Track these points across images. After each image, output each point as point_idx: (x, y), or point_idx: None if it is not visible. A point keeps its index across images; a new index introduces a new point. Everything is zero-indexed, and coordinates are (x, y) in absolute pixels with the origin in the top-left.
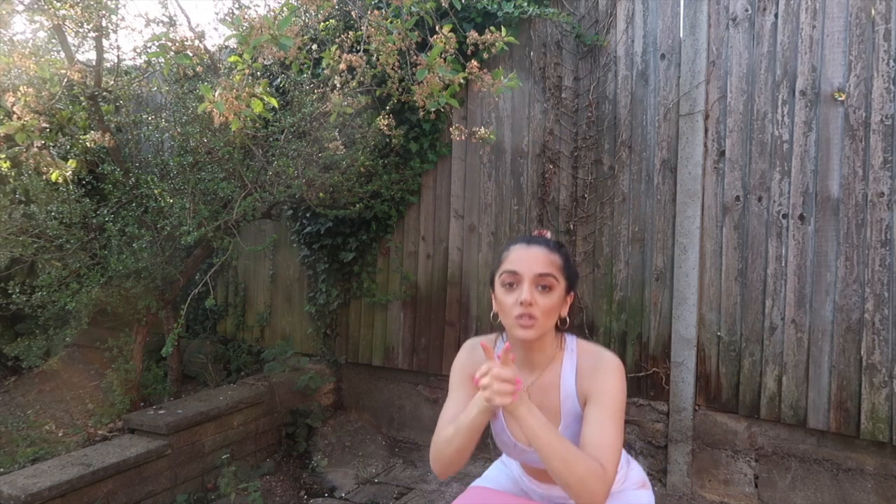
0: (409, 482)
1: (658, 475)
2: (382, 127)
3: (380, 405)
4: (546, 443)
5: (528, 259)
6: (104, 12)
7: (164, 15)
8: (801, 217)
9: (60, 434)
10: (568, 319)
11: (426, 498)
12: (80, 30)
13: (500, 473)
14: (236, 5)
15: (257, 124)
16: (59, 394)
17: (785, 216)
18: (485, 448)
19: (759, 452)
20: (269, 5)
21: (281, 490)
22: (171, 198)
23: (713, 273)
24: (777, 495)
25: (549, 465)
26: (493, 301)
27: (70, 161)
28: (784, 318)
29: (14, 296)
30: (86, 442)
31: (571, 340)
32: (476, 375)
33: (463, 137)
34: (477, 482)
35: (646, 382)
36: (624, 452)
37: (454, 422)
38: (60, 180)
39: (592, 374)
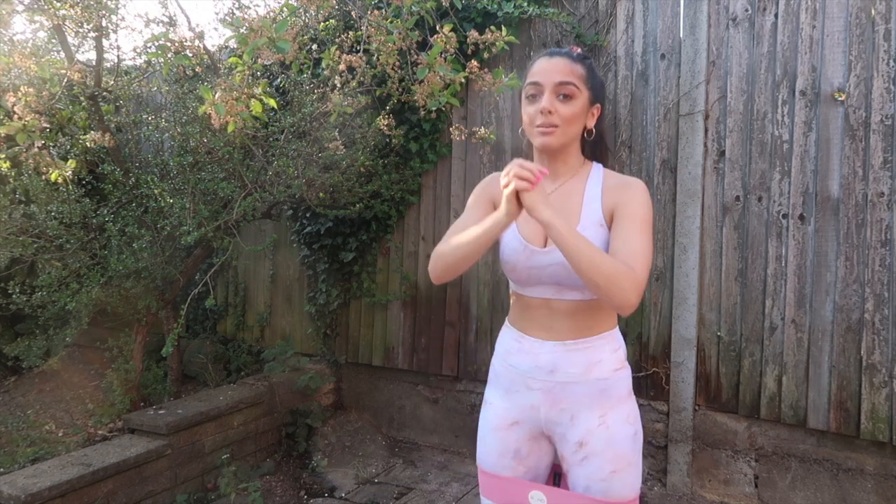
0: (409, 482)
1: (658, 475)
2: (382, 127)
3: (380, 405)
4: (572, 242)
5: (549, 69)
6: (104, 12)
7: (164, 15)
8: (801, 217)
9: (60, 434)
10: (595, 132)
11: (426, 498)
12: (80, 30)
13: (492, 436)
14: (236, 5)
15: (257, 124)
16: (59, 394)
17: (785, 216)
18: None
19: (759, 452)
20: (268, 5)
21: (281, 490)
22: (171, 198)
23: (713, 273)
24: (777, 495)
25: (575, 265)
26: (522, 115)
27: (70, 161)
28: (784, 318)
29: (14, 296)
30: (86, 442)
31: (598, 165)
32: (501, 175)
33: (463, 137)
34: (478, 460)
35: (646, 382)
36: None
37: (466, 231)
38: (60, 180)
39: (619, 190)
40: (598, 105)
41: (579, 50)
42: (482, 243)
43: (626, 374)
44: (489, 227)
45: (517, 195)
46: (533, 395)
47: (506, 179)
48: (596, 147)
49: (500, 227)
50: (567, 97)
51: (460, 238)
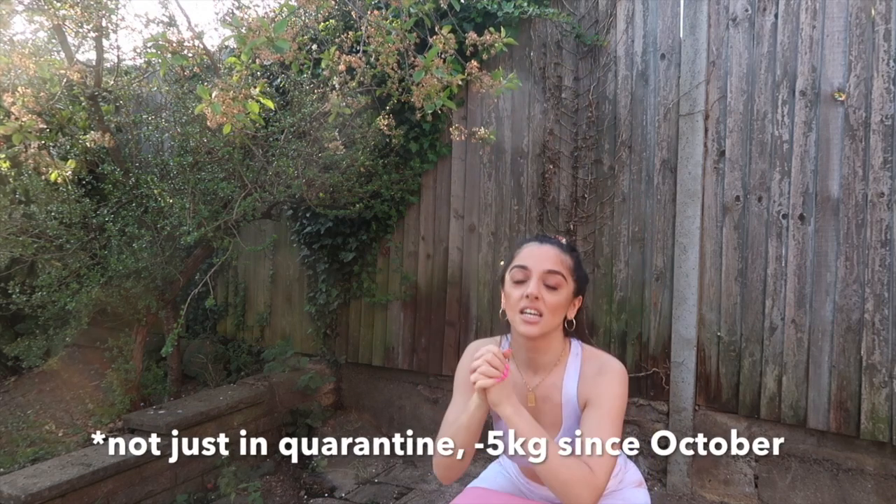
0: (409, 482)
1: (658, 475)
2: (382, 127)
3: (380, 405)
4: (531, 443)
5: (539, 256)
6: (104, 12)
7: (164, 15)
8: (801, 217)
9: (60, 434)
10: (574, 322)
11: (426, 498)
12: (80, 30)
13: (497, 474)
14: (236, 5)
15: (257, 125)
16: (59, 394)
17: (785, 216)
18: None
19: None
20: (268, 5)
21: (281, 490)
22: (171, 198)
23: (713, 273)
24: (777, 495)
25: (534, 467)
26: (503, 298)
27: (70, 161)
28: (784, 318)
29: (14, 296)
30: (86, 442)
31: (577, 345)
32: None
33: (463, 137)
34: (474, 483)
35: (646, 382)
36: (622, 454)
37: (453, 424)
38: (60, 180)
39: (595, 378)
40: (581, 297)
41: (564, 241)
42: (471, 433)
43: (630, 477)
44: (471, 416)
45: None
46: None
47: (474, 376)
48: (575, 332)
49: (480, 414)
50: (554, 287)
51: (449, 432)
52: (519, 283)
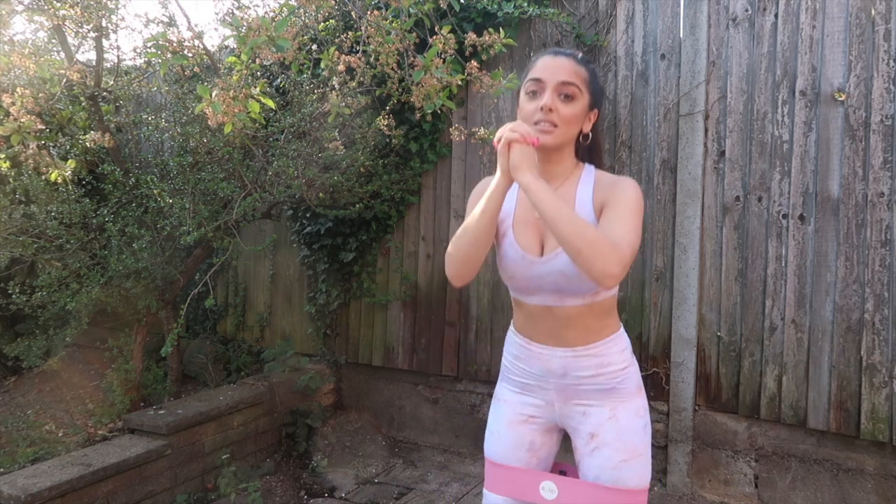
0: (409, 482)
1: (658, 475)
2: (382, 127)
3: (380, 405)
4: (553, 208)
5: (553, 67)
6: (104, 12)
7: (164, 15)
8: (801, 217)
9: (60, 434)
10: (590, 136)
11: (426, 498)
12: (80, 30)
13: (507, 430)
14: (236, 5)
15: (257, 124)
16: (59, 394)
17: (785, 216)
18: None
19: (759, 452)
20: (268, 5)
21: (281, 490)
22: (171, 198)
23: (713, 273)
24: (777, 495)
25: (557, 232)
26: (518, 113)
27: (70, 161)
28: (784, 318)
29: (14, 296)
30: (86, 442)
31: (590, 167)
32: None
33: (463, 138)
34: (488, 453)
35: (646, 382)
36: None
37: (470, 215)
38: (60, 180)
39: (610, 186)
40: (596, 110)
41: (580, 53)
42: (489, 216)
43: (633, 371)
44: (490, 195)
45: (509, 152)
46: (547, 393)
47: (500, 132)
48: (591, 152)
49: (500, 191)
50: (568, 98)
51: (466, 223)
52: (533, 94)
